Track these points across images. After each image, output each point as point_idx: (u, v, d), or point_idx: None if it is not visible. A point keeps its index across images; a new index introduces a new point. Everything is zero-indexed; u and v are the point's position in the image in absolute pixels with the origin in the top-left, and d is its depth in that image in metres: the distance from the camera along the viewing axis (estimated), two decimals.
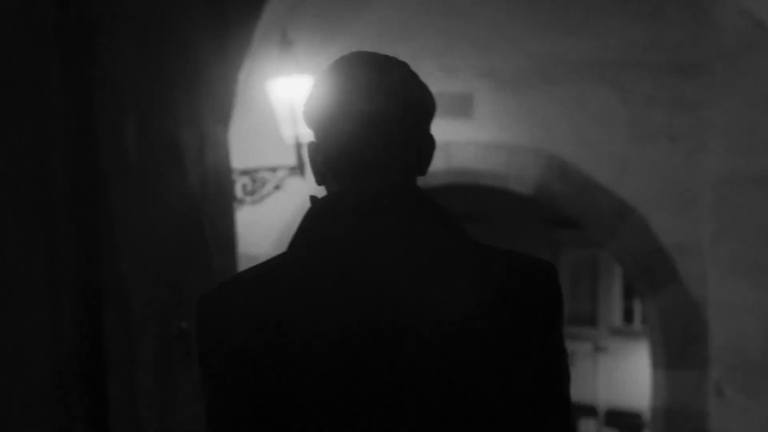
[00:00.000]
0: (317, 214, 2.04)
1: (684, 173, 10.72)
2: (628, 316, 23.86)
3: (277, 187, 9.72)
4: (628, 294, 23.60)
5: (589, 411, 23.90)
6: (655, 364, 11.16)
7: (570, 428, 2.03)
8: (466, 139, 10.94)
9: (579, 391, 23.20)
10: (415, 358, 1.91)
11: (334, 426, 1.91)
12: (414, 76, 2.14)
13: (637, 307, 23.23)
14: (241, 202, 9.68)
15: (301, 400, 1.92)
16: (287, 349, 1.91)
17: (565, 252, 24.29)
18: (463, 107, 10.89)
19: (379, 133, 2.05)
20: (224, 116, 6.94)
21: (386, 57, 2.13)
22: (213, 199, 6.30)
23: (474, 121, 10.97)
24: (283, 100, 9.45)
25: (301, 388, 1.92)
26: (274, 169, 9.73)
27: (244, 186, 9.70)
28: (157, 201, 4.91)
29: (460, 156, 10.98)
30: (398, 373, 1.91)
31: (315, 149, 2.13)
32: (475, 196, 22.55)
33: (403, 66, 2.13)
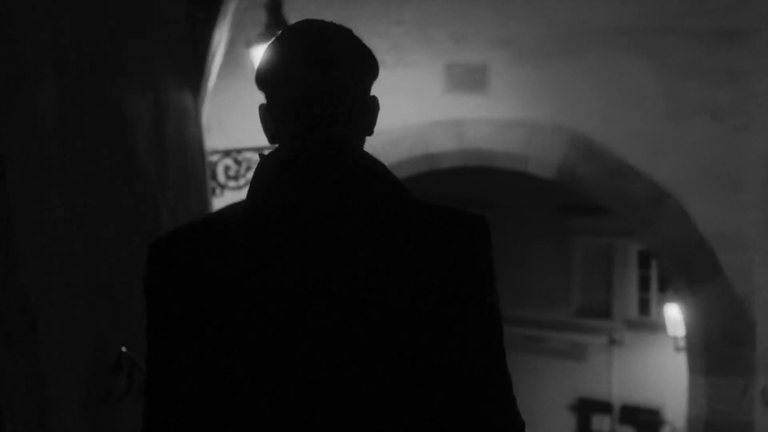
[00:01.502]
0: (265, 168, 2.16)
1: (727, 154, 9.49)
2: (644, 307, 22.74)
3: None
4: (644, 284, 22.69)
5: (604, 407, 22.98)
6: (693, 369, 9.94)
7: (504, 375, 2.14)
8: (480, 116, 9.71)
9: (593, 386, 22.79)
10: (348, 310, 2.02)
11: (269, 374, 2.04)
12: (358, 42, 2.24)
13: (654, 298, 22.22)
14: (223, 187, 8.46)
15: (240, 345, 2.03)
16: (226, 294, 2.03)
17: (578, 240, 23.25)
18: (476, 80, 9.67)
19: (323, 96, 2.17)
20: (193, 83, 5.70)
21: (332, 24, 2.24)
22: (176, 185, 5.05)
23: (489, 96, 9.73)
24: None
25: (240, 334, 2.03)
26: (261, 150, 8.48)
27: (226, 169, 8.48)
28: (86, 189, 3.66)
29: (473, 135, 9.74)
30: (333, 334, 2.02)
31: (266, 111, 2.25)
32: (482, 180, 21.84)
33: (347, 32, 2.25)
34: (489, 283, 2.13)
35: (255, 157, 8.48)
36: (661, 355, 21.39)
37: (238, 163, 8.45)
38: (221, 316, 2.04)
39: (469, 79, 9.65)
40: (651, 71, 9.57)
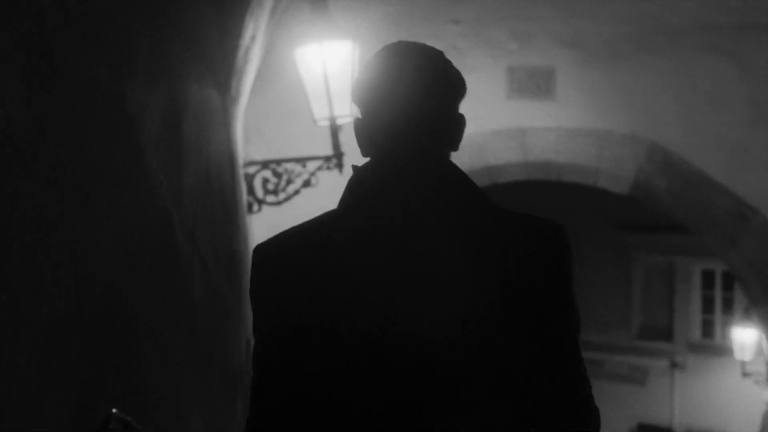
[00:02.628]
0: (359, 178, 2.32)
1: None
2: (707, 329, 22.08)
3: (307, 183, 7.58)
4: (708, 305, 21.94)
5: None
6: None
7: (583, 377, 2.32)
8: (546, 124, 8.79)
9: (654, 412, 22.01)
10: (437, 320, 2.13)
11: (360, 381, 2.15)
12: (447, 63, 2.41)
13: (718, 320, 21.27)
14: (261, 202, 7.57)
15: (334, 350, 2.16)
16: (324, 304, 2.17)
17: (638, 258, 22.43)
18: (542, 85, 8.74)
19: (416, 113, 2.34)
20: (221, 78, 4.84)
21: (424, 45, 2.41)
22: (195, 199, 4.17)
23: (556, 103, 8.80)
24: (316, 71, 7.32)
25: (336, 339, 2.16)
26: (303, 161, 7.60)
27: (264, 182, 7.58)
28: (71, 205, 2.81)
29: (539, 145, 8.82)
30: (421, 332, 2.13)
31: (361, 125, 2.42)
32: (537, 195, 21.04)
33: (439, 53, 2.42)
34: (569, 285, 2.30)
35: (296, 169, 7.60)
36: (726, 380, 20.55)
37: (277, 175, 7.56)
38: (316, 323, 2.17)
39: (533, 83, 8.74)
40: (735, 73, 8.60)
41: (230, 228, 4.95)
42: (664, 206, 9.03)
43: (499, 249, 2.22)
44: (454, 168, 2.35)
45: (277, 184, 7.57)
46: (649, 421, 22.22)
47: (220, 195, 4.73)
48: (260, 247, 2.34)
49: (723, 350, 20.61)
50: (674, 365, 21.97)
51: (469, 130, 7.73)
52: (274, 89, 8.43)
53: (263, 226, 8.28)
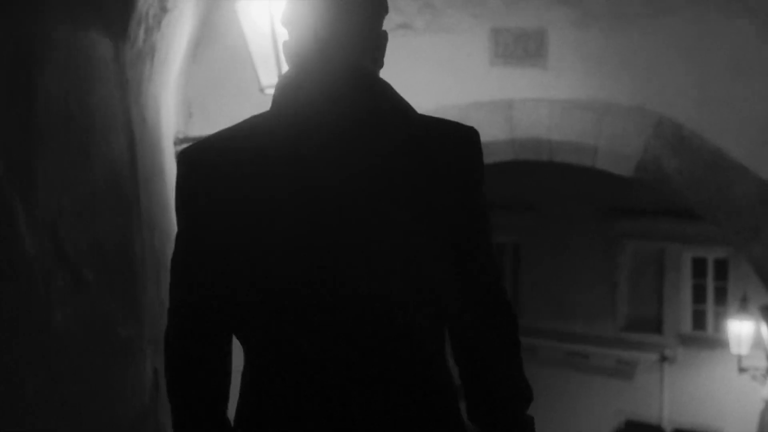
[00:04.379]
0: (285, 83, 2.44)
1: None
2: (699, 321, 20.96)
3: None
4: (700, 295, 20.96)
5: (653, 431, 21.15)
6: None
7: (497, 275, 2.51)
8: (537, 95, 7.52)
9: (642, 407, 21.20)
10: (351, 212, 2.31)
11: (280, 271, 2.30)
12: None
13: (711, 311, 20.23)
14: None
15: (257, 245, 2.30)
16: (248, 199, 2.30)
17: (626, 245, 21.44)
18: (531, 50, 7.48)
19: (338, 26, 2.45)
20: (114, 22, 3.55)
21: None
22: (62, 189, 2.90)
23: (548, 71, 7.54)
24: (263, 30, 6.08)
25: (258, 235, 2.30)
26: None
27: None
28: None
29: (528, 120, 7.54)
30: (334, 222, 2.30)
31: (289, 46, 2.53)
32: (518, 178, 19.99)
33: None
34: (479, 182, 2.48)
35: None
36: (718, 375, 19.59)
37: None
38: (238, 216, 2.30)
39: (521, 47, 7.46)
40: (757, 37, 7.33)
41: (129, 226, 3.65)
42: (676, 189, 7.77)
43: (415, 148, 2.36)
44: (377, 78, 2.46)
45: None
46: (636, 418, 21.26)
47: (110, 180, 3.44)
48: (185, 151, 2.42)
49: (716, 343, 19.67)
50: (663, 359, 20.91)
51: (447, 102, 6.34)
52: (219, 59, 7.19)
53: None
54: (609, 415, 21.42)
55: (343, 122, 2.34)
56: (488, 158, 7.93)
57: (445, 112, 7.31)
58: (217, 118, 7.20)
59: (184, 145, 6.24)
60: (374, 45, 2.54)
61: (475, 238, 2.45)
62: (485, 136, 7.74)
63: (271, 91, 6.05)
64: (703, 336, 20.48)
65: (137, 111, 4.10)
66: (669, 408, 20.84)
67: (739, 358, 17.59)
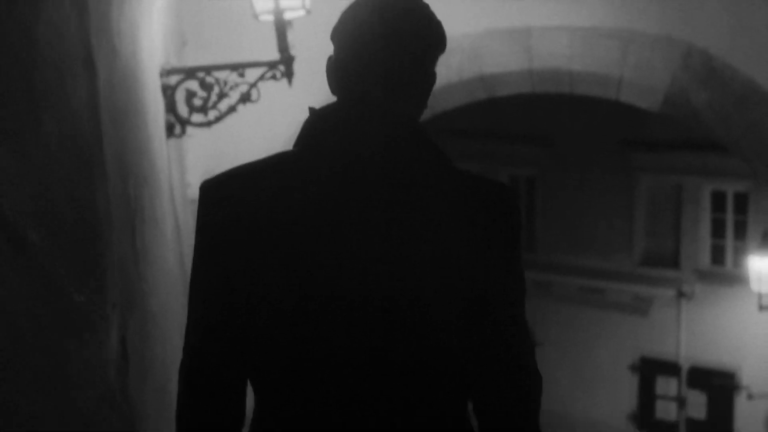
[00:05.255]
0: (318, 121, 2.32)
1: None
2: (717, 256, 20.34)
3: (246, 98, 5.78)
4: (719, 229, 20.34)
5: (670, 368, 20.76)
6: None
7: (527, 343, 2.36)
8: (557, 23, 6.94)
9: (658, 344, 20.85)
10: (383, 267, 2.21)
11: (302, 321, 2.21)
12: (431, 16, 2.40)
13: (730, 246, 19.71)
14: (185, 123, 5.79)
15: (273, 282, 2.21)
16: (270, 236, 2.21)
17: (644, 178, 20.88)
18: None
19: (391, 65, 2.34)
20: None
21: None
22: None
23: None
24: None
25: (277, 272, 2.21)
26: (240, 68, 5.76)
27: (189, 96, 5.77)
28: None
29: (547, 49, 7.00)
30: (366, 278, 2.20)
31: (334, 65, 2.42)
32: (534, 111, 19.47)
33: (424, 6, 2.39)
34: (516, 249, 2.34)
35: (231, 78, 5.78)
36: (737, 311, 19.15)
37: (206, 87, 5.74)
38: (259, 256, 2.21)
39: None
40: None
41: (88, 177, 3.14)
42: (705, 123, 7.23)
43: (449, 209, 2.27)
44: (416, 126, 2.34)
45: (205, 99, 5.77)
46: (652, 355, 20.83)
47: (65, 127, 2.92)
48: (209, 183, 2.33)
49: (735, 279, 19.11)
50: (681, 294, 20.36)
51: (459, 31, 5.63)
52: None
53: (191, 153, 6.51)
54: (624, 352, 21.04)
55: (383, 172, 2.25)
56: (504, 90, 7.43)
57: (458, 41, 6.76)
58: (213, 47, 6.72)
59: (173, 77, 5.75)
60: (424, 88, 2.43)
61: (507, 299, 2.33)
62: (501, 67, 7.23)
63: (266, 18, 5.54)
64: (722, 272, 19.95)
65: (104, 40, 3.57)
66: (686, 345, 20.41)
67: (760, 295, 17.04)
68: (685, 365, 20.51)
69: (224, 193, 2.28)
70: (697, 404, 20.32)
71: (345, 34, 2.39)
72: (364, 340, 2.20)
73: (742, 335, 19.14)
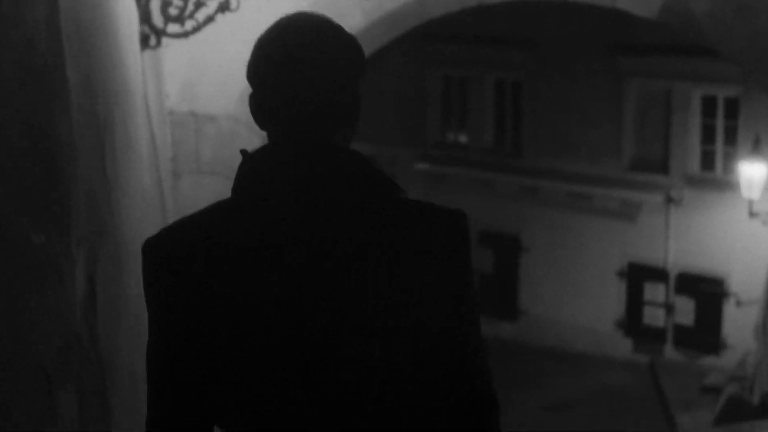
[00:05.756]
0: (252, 168, 2.28)
1: None
2: (707, 161, 20.17)
3: (224, 7, 5.47)
4: (709, 135, 20.17)
5: (658, 274, 20.71)
6: None
7: (485, 369, 2.34)
8: None
9: (646, 250, 20.82)
10: (334, 302, 2.20)
11: (255, 367, 2.20)
12: (342, 35, 2.34)
13: (720, 151, 19.53)
14: (161, 34, 5.49)
15: (229, 338, 2.19)
16: (221, 290, 2.18)
17: (632, 82, 20.66)
18: None
19: (306, 88, 2.28)
20: None
21: (321, 23, 2.33)
22: None
23: None
24: None
25: (232, 327, 2.19)
26: None
27: (165, 5, 5.46)
28: None
29: None
30: (317, 315, 2.19)
31: (256, 101, 2.35)
32: (522, 14, 19.11)
33: (337, 31, 2.33)
34: (467, 273, 2.33)
35: None
36: (727, 217, 19.04)
37: None
38: (211, 312, 2.18)
39: None
40: None
41: (47, 107, 2.85)
42: (703, 34, 6.93)
43: (402, 243, 2.25)
44: (355, 158, 2.31)
45: (182, 9, 5.46)
46: (640, 261, 20.78)
47: (17, 53, 2.63)
48: (150, 242, 2.29)
49: (725, 185, 18.98)
50: (669, 200, 20.25)
51: None
52: None
53: (178, 62, 6.21)
54: (612, 258, 20.99)
55: (316, 208, 2.22)
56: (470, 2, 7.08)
57: None
58: None
59: None
60: (353, 113, 2.38)
61: (462, 327, 2.31)
62: None
63: None
64: (712, 177, 19.79)
65: None
66: (674, 251, 20.33)
67: (750, 202, 16.99)
68: (673, 271, 20.44)
69: (167, 251, 2.25)
70: (685, 311, 20.27)
71: (262, 74, 2.31)
72: (319, 381, 2.20)
73: (731, 241, 19.03)
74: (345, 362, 2.21)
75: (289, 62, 2.26)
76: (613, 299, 21.06)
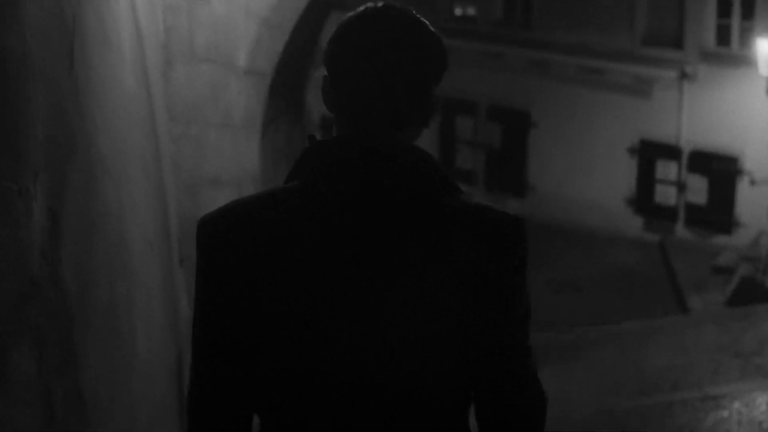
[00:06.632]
0: (319, 157, 2.26)
1: None
2: (723, 36, 19.64)
3: None
4: (725, 8, 19.64)
5: (671, 152, 20.35)
6: None
7: (533, 368, 2.35)
8: None
9: (659, 127, 20.38)
10: (387, 302, 2.20)
11: (304, 352, 2.22)
12: (431, 36, 2.31)
13: (736, 25, 19.11)
14: None
15: (283, 323, 2.20)
16: (268, 276, 2.20)
17: None
18: None
19: (388, 85, 2.25)
20: None
21: (406, 16, 2.29)
22: None
23: None
24: None
25: (279, 310, 2.21)
26: None
27: None
28: None
29: None
30: (368, 309, 2.20)
31: (330, 84, 2.31)
32: None
33: (423, 25, 2.30)
34: (522, 279, 2.30)
35: None
36: (742, 94, 18.69)
37: None
38: (257, 295, 2.20)
39: None
40: None
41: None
42: None
43: (455, 243, 2.23)
44: (423, 157, 2.30)
45: None
46: (653, 138, 20.44)
47: None
48: (207, 220, 2.29)
49: (741, 60, 18.60)
50: (684, 76, 19.83)
51: None
52: None
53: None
54: (624, 134, 20.65)
55: (376, 208, 2.22)
56: None
57: None
58: None
59: None
60: (428, 113, 2.33)
61: (514, 326, 2.31)
62: None
63: None
64: (727, 53, 19.35)
65: None
66: (687, 128, 19.96)
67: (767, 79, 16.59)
68: (686, 149, 20.09)
69: (223, 229, 2.26)
70: (698, 189, 19.97)
71: (345, 61, 2.27)
72: (363, 369, 2.22)
73: (746, 119, 18.66)
74: (386, 360, 2.23)
75: (378, 55, 2.24)
76: (624, 176, 20.76)
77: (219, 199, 6.40)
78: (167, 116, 6.28)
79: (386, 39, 2.25)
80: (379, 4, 2.30)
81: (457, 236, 2.24)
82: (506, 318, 2.29)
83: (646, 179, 20.55)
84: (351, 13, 2.33)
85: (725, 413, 9.75)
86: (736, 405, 9.92)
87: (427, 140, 22.18)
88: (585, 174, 20.95)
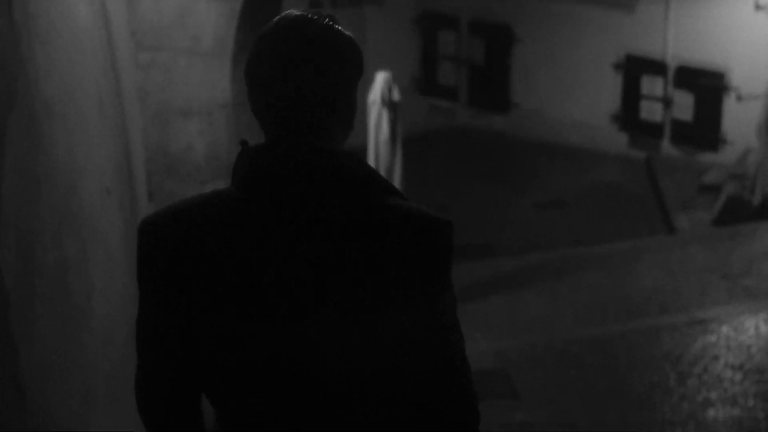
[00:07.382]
0: (248, 162, 2.36)
1: None
2: None
3: None
4: None
5: (656, 67, 19.99)
6: None
7: (463, 372, 2.40)
8: None
9: (644, 41, 19.99)
10: (313, 302, 2.29)
11: (241, 343, 2.31)
12: (345, 44, 2.39)
13: None
14: None
15: (214, 324, 2.30)
16: (209, 278, 2.29)
17: None
18: None
19: (302, 95, 2.34)
20: None
21: (321, 24, 2.37)
22: None
23: None
24: None
25: (217, 306, 2.30)
26: None
27: None
28: None
29: None
30: (297, 313, 2.29)
31: (248, 96, 2.42)
32: None
33: (336, 33, 2.38)
34: (446, 284, 2.38)
35: None
36: (730, 9, 18.45)
37: None
38: (199, 298, 2.29)
39: None
40: None
41: None
42: None
43: (380, 245, 2.30)
44: (347, 159, 2.37)
45: None
46: (638, 53, 20.05)
47: None
48: (147, 221, 2.37)
49: None
50: None
51: None
52: None
53: None
54: (608, 49, 20.27)
55: (305, 210, 2.28)
56: None
57: None
58: None
59: None
60: (349, 116, 2.45)
61: (440, 331, 2.37)
62: None
63: None
64: None
65: None
66: (673, 43, 19.56)
67: None
68: (672, 64, 19.75)
69: (164, 233, 2.33)
70: (684, 105, 19.64)
71: (256, 73, 2.37)
72: (306, 364, 2.28)
73: (733, 35, 18.31)
74: (328, 356, 2.29)
75: (288, 66, 2.31)
76: (608, 92, 20.43)
77: (189, 129, 6.17)
78: (133, 43, 5.96)
79: (298, 51, 2.31)
80: (294, 14, 2.37)
81: (385, 240, 2.29)
82: (435, 319, 2.34)
83: (631, 95, 20.23)
84: (266, 26, 2.40)
85: (713, 338, 9.62)
86: (724, 329, 9.80)
87: (409, 57, 21.97)
88: (569, 90, 20.68)
